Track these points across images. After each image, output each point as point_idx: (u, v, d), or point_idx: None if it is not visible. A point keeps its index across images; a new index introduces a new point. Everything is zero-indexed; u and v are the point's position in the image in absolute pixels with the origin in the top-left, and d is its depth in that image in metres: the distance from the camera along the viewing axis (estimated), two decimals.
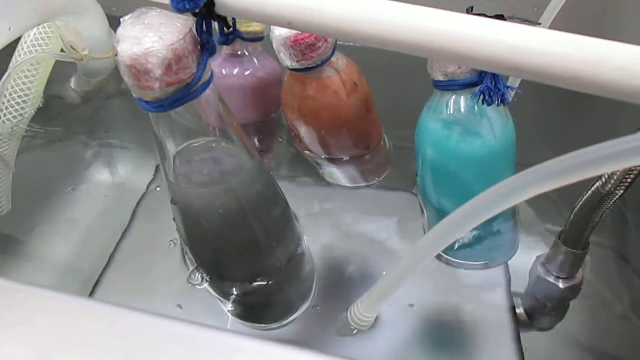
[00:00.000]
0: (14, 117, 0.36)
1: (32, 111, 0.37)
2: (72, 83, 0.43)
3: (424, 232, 0.36)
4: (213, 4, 0.18)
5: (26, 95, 0.36)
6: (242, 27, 0.34)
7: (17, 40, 0.33)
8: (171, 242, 0.35)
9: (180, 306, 0.33)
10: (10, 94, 0.36)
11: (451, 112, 0.28)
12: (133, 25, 0.19)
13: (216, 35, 0.20)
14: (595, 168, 0.16)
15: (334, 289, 0.34)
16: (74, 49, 0.31)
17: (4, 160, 0.37)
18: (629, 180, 0.27)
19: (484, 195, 0.19)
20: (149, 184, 0.41)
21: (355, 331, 0.30)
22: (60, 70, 0.39)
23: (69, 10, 0.27)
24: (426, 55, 0.16)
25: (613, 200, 0.28)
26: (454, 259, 0.33)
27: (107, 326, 0.19)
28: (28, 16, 0.22)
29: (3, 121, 0.36)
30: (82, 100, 0.44)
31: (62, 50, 0.34)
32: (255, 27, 0.35)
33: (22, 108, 0.36)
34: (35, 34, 0.34)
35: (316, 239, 0.36)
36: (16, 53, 0.35)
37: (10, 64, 0.35)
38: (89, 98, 0.45)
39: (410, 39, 0.15)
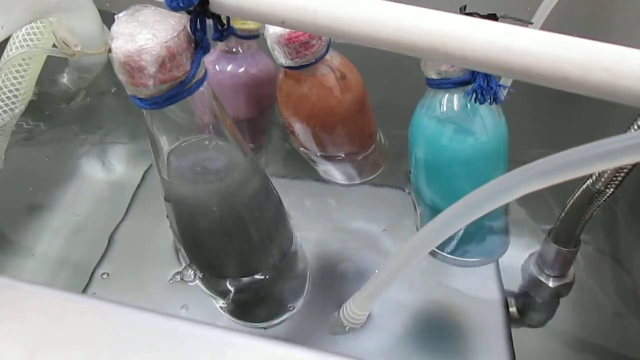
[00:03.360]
0: (5, 111, 0.36)
1: (23, 107, 0.37)
2: (64, 79, 0.42)
3: (417, 230, 0.36)
4: (207, 2, 0.18)
5: (17, 90, 0.36)
6: (237, 24, 0.34)
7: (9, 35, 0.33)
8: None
9: (186, 307, 0.33)
10: (1, 88, 0.35)
11: (444, 110, 0.29)
12: (127, 22, 0.19)
13: (210, 32, 0.20)
14: (586, 167, 0.17)
15: (327, 287, 0.34)
16: (66, 44, 0.31)
17: None
18: (619, 178, 0.27)
19: (476, 194, 0.19)
20: (142, 180, 0.41)
21: (347, 329, 0.30)
22: (52, 66, 0.38)
23: (62, 7, 0.27)
24: (417, 55, 0.16)
25: (603, 199, 0.28)
26: (446, 256, 0.33)
27: (98, 322, 0.19)
28: (21, 14, 0.21)
29: None
30: (74, 96, 0.44)
31: (54, 45, 0.34)
32: (250, 24, 0.35)
33: (13, 103, 0.36)
34: (27, 29, 0.34)
35: (310, 236, 0.36)
36: (7, 48, 0.34)
37: (2, 59, 0.34)
38: (81, 94, 0.44)
39: (401, 38, 0.15)
